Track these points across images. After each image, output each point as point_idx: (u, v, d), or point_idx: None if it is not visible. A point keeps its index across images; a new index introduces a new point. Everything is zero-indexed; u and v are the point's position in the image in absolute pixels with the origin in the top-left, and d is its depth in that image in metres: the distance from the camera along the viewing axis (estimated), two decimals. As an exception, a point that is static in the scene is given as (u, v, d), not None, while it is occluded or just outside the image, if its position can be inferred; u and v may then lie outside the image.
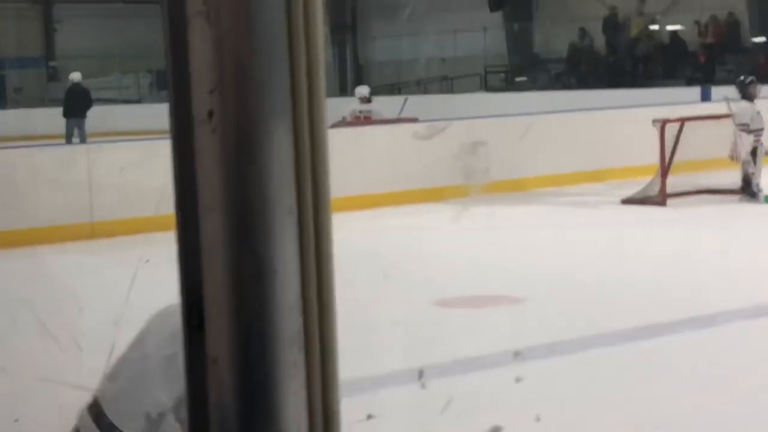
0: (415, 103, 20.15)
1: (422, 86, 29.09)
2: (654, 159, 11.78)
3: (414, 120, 15.18)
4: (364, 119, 15.30)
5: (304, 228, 0.77)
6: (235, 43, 0.76)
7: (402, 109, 16.42)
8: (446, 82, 29.20)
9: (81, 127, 18.94)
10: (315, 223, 0.78)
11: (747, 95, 11.68)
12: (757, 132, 11.49)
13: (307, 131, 0.77)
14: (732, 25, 25.06)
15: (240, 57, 0.76)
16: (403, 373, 5.61)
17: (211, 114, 0.76)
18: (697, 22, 25.10)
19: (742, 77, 12.30)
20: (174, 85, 0.78)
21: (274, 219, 0.76)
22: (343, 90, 28.73)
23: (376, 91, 17.92)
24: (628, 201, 11.75)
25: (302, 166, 0.77)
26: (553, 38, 28.40)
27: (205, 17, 0.76)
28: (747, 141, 11.47)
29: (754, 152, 11.49)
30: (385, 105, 16.57)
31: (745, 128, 11.48)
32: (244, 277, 0.77)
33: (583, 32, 27.15)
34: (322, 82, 0.79)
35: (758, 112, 11.52)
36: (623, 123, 14.15)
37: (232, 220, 0.77)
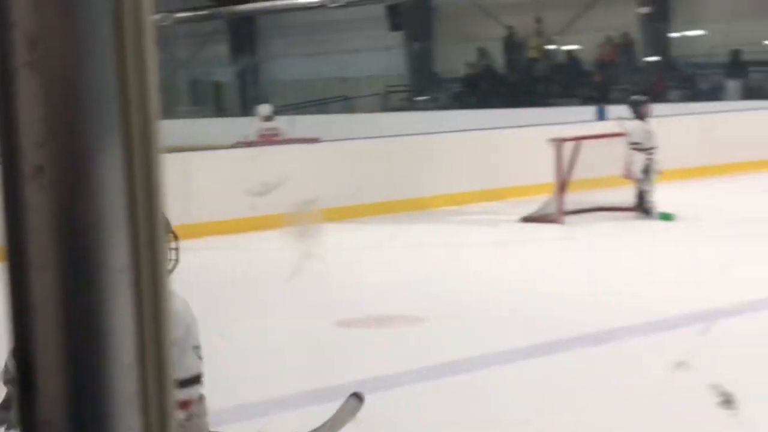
0: (316, 123, 20.16)
1: (323, 106, 29.12)
2: (551, 177, 11.94)
3: (315, 140, 15.18)
4: (271, 137, 15.27)
5: (139, 285, 0.75)
6: (63, 94, 0.73)
7: (293, 128, 16.40)
8: (347, 102, 29.27)
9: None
10: (151, 279, 0.75)
11: (639, 114, 11.91)
12: (650, 150, 11.73)
13: (142, 184, 0.74)
14: (626, 45, 25.59)
15: (69, 108, 0.74)
16: (300, 396, 5.60)
17: (40, 169, 0.74)
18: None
19: (634, 97, 12.56)
20: (3, 138, 0.75)
21: (108, 276, 0.73)
22: (245, 110, 28.59)
23: (277, 111, 17.87)
24: (526, 219, 11.88)
25: (137, 222, 0.74)
26: (453, 58, 28.66)
27: (32, 68, 0.73)
28: (640, 159, 11.70)
29: (647, 170, 11.72)
30: (286, 124, 16.54)
31: (638, 147, 11.70)
32: (76, 337, 0.74)
33: (482, 52, 27.45)
34: (157, 129, 0.76)
35: (650, 131, 11.76)
36: (521, 142, 14.32)
37: (63, 278, 0.74)
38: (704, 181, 15.16)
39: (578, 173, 11.88)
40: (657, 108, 13.79)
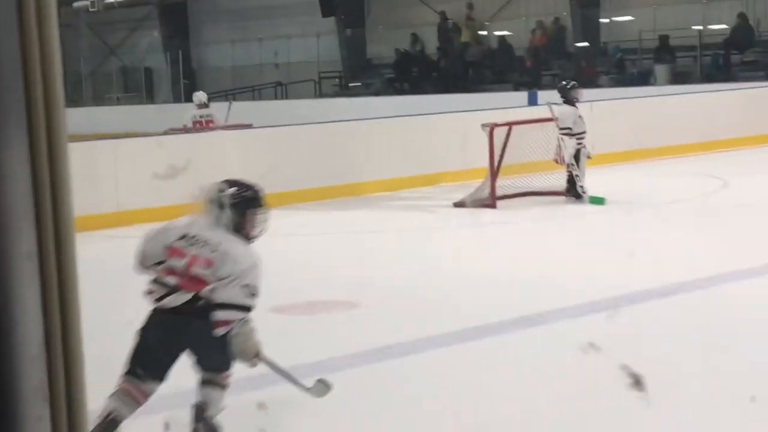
0: (250, 110, 20.06)
1: (256, 92, 28.99)
2: (484, 163, 12.01)
3: (248, 126, 15.12)
4: (206, 123, 15.18)
5: (45, 274, 0.74)
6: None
7: (228, 114, 16.31)
8: (281, 88, 29.17)
9: None
10: (58, 267, 0.75)
11: (569, 99, 12.02)
12: (580, 135, 11.84)
13: (47, 173, 0.74)
14: (557, 31, 25.78)
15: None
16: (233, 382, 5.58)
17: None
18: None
19: (564, 82, 12.66)
20: None
21: (13, 266, 0.73)
22: (177, 97, 28.36)
23: (210, 98, 17.75)
24: (459, 204, 11.95)
25: (43, 210, 0.74)
26: (386, 44, 28.67)
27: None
28: (570, 144, 11.80)
29: (577, 155, 11.84)
30: (219, 111, 16.44)
31: (568, 132, 11.81)
32: (-18, 328, 0.73)
33: (415, 37, 27.49)
34: (62, 119, 0.75)
35: (580, 116, 11.87)
36: (454, 127, 14.38)
37: (-33, 268, 0.73)
38: (634, 165, 15.35)
39: (511, 158, 11.97)
40: (587, 93, 13.92)
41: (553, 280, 7.77)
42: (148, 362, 4.34)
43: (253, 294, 4.30)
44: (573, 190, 11.88)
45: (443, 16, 26.80)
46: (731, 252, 8.58)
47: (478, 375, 5.59)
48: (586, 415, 4.92)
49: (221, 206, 4.44)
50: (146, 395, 4.37)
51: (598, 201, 11.64)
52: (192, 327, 4.28)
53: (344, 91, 28.03)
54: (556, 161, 11.96)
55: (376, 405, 5.19)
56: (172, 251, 4.40)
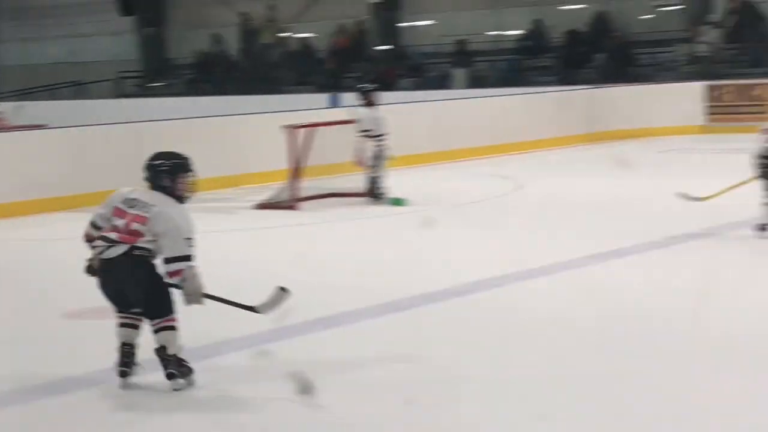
0: (46, 109, 19.46)
1: (53, 92, 28.11)
2: (285, 164, 12.03)
3: (42, 127, 14.66)
4: (-3, 123, 14.68)
5: None
6: None
7: (17, 116, 15.78)
8: (79, 88, 28.40)
9: None
10: None
11: (369, 102, 12.16)
12: (380, 137, 11.99)
13: None
14: (358, 33, 26.02)
15: None
16: (18, 391, 5.44)
17: None
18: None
19: (363, 84, 12.80)
20: None
21: None
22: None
23: (2, 97, 17.14)
24: (261, 206, 11.92)
25: None
26: (187, 44, 28.32)
27: None
28: (371, 146, 11.95)
29: (377, 157, 11.99)
30: (12, 111, 15.89)
31: (368, 134, 11.95)
32: None
33: (216, 38, 27.25)
34: None
35: (380, 118, 12.03)
36: (255, 129, 14.34)
37: None
38: (434, 167, 15.67)
39: (312, 160, 12.02)
40: (388, 96, 14.12)
41: (351, 281, 7.84)
42: (114, 300, 5.33)
43: (192, 244, 5.24)
44: (373, 192, 12.03)
45: (245, 17, 26.66)
46: (524, 252, 8.84)
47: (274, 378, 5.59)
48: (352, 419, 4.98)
49: (155, 173, 5.38)
50: (135, 318, 5.33)
51: (398, 202, 11.82)
52: (129, 272, 5.22)
53: (144, 91, 27.51)
54: (357, 163, 12.09)
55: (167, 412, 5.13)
56: (116, 211, 5.32)
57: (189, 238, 5.25)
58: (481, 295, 7.33)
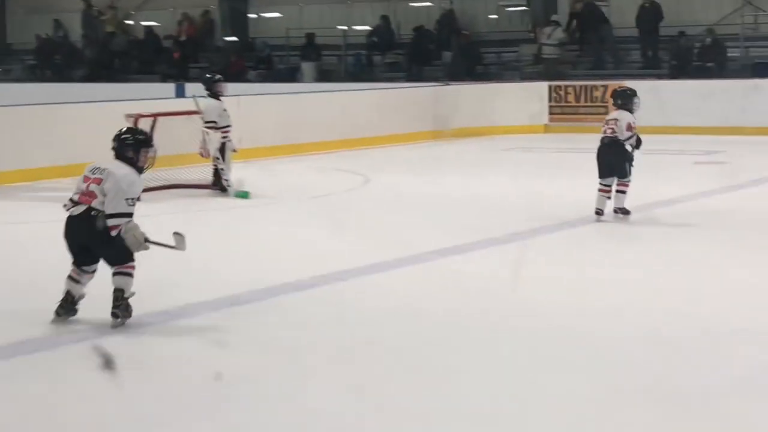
0: None
1: None
2: (128, 154, 11.74)
3: None
4: None
5: None
6: None
7: None
8: None
9: None
10: None
11: (214, 93, 12.00)
12: (225, 129, 11.84)
13: None
14: (206, 23, 25.72)
15: None
16: None
17: None
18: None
19: (208, 75, 12.62)
20: None
21: None
22: None
23: None
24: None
25: None
26: (28, 29, 27.50)
27: None
28: (215, 138, 11.79)
29: (222, 149, 11.84)
30: None
31: (213, 125, 11.79)
32: None
33: (58, 24, 26.54)
34: None
35: (225, 110, 11.87)
36: (98, 117, 13.98)
37: None
38: (281, 160, 15.58)
39: (157, 150, 11.75)
40: (236, 87, 13.98)
41: (193, 274, 7.72)
42: (74, 252, 6.21)
43: (132, 203, 6.08)
44: (218, 184, 11.89)
45: (87, 3, 26.02)
46: (368, 247, 8.85)
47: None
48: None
49: (121, 145, 6.23)
50: (84, 274, 6.25)
51: (243, 195, 11.70)
52: (87, 229, 6.07)
53: (-20, 76, 26.62)
54: (201, 154, 11.92)
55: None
56: (84, 179, 6.16)
57: (129, 198, 6.07)
58: (322, 290, 7.29)
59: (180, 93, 18.11)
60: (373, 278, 7.71)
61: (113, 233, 6.04)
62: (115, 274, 6.15)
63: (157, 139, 11.45)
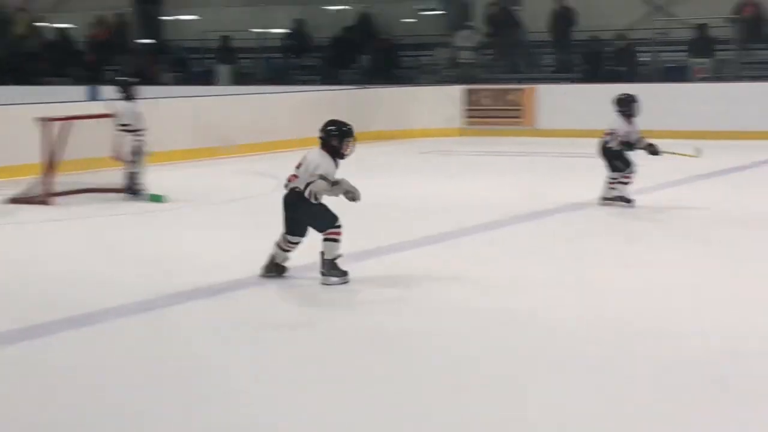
0: None
1: None
2: (39, 158, 11.58)
3: None
4: None
5: None
6: None
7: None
8: None
9: None
10: None
11: (128, 95, 11.87)
12: (139, 132, 11.73)
13: None
14: (119, 26, 25.44)
15: None
16: None
17: None
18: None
19: (122, 77, 12.49)
20: None
21: None
22: None
23: None
24: (13, 201, 11.46)
25: None
26: (-65, 30, 26.88)
27: None
28: (129, 141, 11.67)
29: (136, 152, 11.72)
30: None
31: (127, 128, 11.67)
32: None
33: (-33, 25, 26.01)
34: None
35: (139, 113, 11.76)
36: (7, 120, 13.77)
37: None
38: (196, 163, 15.48)
39: (68, 154, 11.61)
40: (150, 90, 13.83)
41: (104, 278, 7.64)
42: (286, 223, 7.35)
43: (319, 177, 7.16)
44: (131, 188, 11.76)
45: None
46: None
47: (28, 376, 5.37)
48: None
49: (327, 135, 7.45)
50: (292, 244, 7.38)
51: (157, 199, 11.59)
52: (294, 205, 7.27)
53: None
54: (115, 158, 11.78)
55: None
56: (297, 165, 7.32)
57: (317, 174, 7.12)
58: (233, 294, 7.25)
59: (93, 96, 17.87)
60: (283, 283, 7.66)
61: (308, 197, 7.15)
62: (323, 240, 7.19)
63: (69, 143, 11.51)
